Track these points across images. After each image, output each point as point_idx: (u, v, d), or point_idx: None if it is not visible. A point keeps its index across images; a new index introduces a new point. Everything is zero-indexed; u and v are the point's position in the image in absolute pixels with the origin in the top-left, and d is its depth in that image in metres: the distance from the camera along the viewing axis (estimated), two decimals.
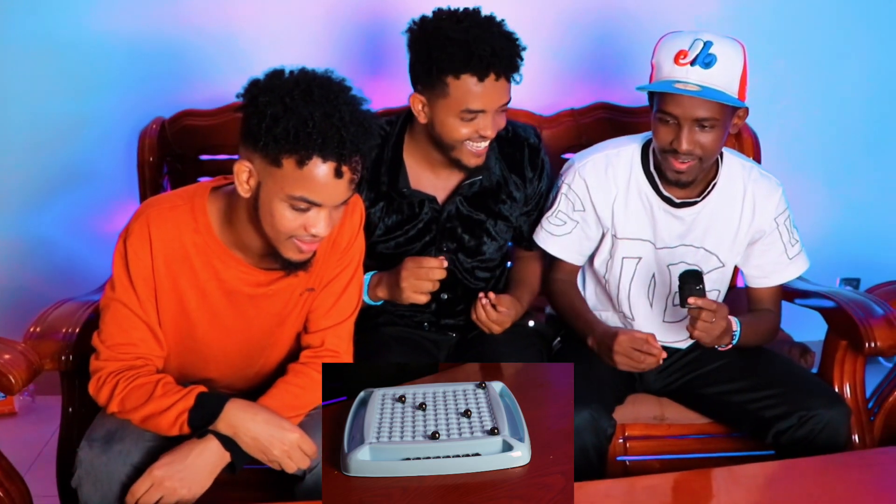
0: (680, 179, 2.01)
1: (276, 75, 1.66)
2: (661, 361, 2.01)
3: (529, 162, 2.18)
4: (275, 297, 1.83)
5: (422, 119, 2.03)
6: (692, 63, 1.92)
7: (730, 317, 2.02)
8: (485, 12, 2.01)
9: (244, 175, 1.66)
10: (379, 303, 2.12)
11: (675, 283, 2.01)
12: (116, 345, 1.77)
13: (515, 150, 2.17)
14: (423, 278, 2.01)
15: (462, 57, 1.93)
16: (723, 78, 1.93)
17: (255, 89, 1.65)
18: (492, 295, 2.09)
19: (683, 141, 1.94)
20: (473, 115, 1.98)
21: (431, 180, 2.12)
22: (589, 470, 1.97)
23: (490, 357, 2.06)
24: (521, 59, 2.00)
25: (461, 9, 2.01)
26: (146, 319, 1.77)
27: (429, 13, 2.02)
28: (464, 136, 2.00)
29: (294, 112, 1.59)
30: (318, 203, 1.64)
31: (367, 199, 2.09)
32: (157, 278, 1.76)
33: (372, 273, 2.10)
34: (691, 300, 1.94)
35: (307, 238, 1.69)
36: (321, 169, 1.61)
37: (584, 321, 2.15)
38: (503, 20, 2.02)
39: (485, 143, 2.03)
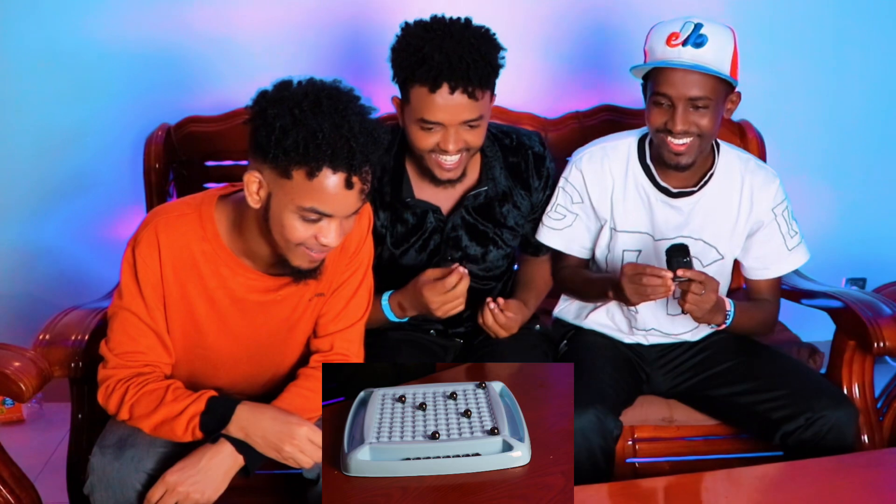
0: (679, 162, 2.01)
1: (284, 86, 1.65)
2: (671, 286, 1.91)
3: (535, 171, 2.16)
4: (284, 302, 1.83)
5: (401, 122, 2.01)
6: (684, 43, 1.93)
7: (724, 297, 2.03)
8: (483, 20, 1.96)
9: (254, 186, 1.66)
10: (405, 319, 2.11)
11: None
12: (125, 353, 1.77)
13: (520, 160, 2.15)
14: (450, 299, 1.99)
15: (411, 65, 1.89)
16: (714, 57, 1.93)
17: (264, 101, 1.64)
18: (500, 300, 2.08)
19: (678, 121, 1.95)
20: (431, 126, 1.93)
21: (434, 190, 2.08)
22: (596, 472, 1.96)
23: (496, 360, 2.05)
24: (489, 74, 1.92)
25: (449, 18, 1.95)
26: (154, 327, 1.77)
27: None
28: (426, 146, 1.96)
29: (303, 124, 1.58)
30: (328, 214, 1.64)
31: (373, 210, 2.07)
32: (165, 286, 1.76)
33: (387, 294, 2.07)
34: (679, 272, 1.92)
35: (317, 247, 1.69)
36: (331, 180, 1.61)
37: (599, 282, 2.12)
38: (494, 34, 1.95)
39: (450, 158, 1.97)
